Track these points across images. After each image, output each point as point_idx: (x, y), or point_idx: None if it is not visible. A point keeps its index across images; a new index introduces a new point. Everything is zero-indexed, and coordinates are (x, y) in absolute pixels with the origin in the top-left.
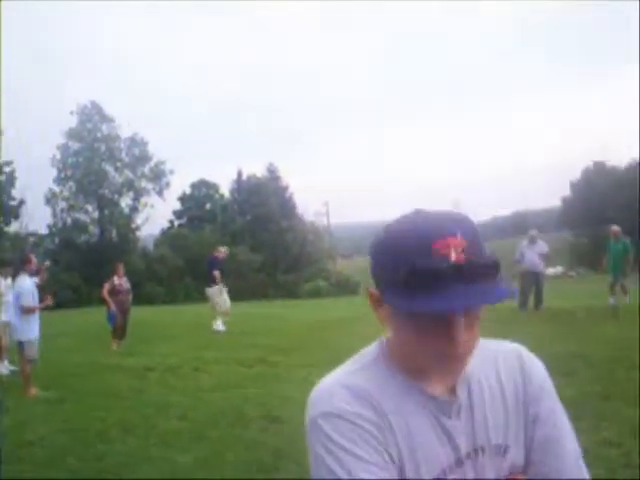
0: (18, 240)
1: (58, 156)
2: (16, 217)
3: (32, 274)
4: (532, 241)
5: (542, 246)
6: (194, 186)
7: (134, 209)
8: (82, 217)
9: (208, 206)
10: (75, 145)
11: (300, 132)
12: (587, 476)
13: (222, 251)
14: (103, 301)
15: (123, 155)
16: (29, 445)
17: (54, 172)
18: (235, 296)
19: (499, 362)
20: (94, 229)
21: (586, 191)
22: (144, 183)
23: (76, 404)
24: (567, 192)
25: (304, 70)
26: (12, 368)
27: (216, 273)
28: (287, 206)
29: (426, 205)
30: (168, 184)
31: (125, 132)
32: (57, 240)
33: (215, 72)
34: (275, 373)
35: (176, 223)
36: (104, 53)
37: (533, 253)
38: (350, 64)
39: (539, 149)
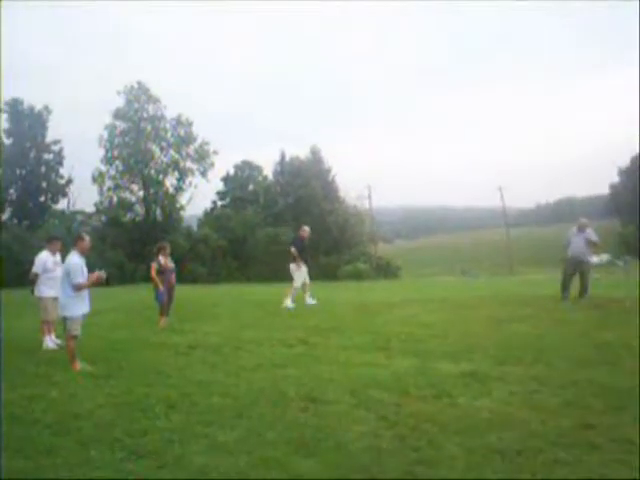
0: (65, 218)
1: (105, 136)
2: (64, 195)
3: (84, 253)
4: (581, 229)
5: (590, 234)
6: (237, 167)
7: (179, 189)
8: (128, 196)
9: (251, 187)
10: (122, 125)
11: (344, 115)
12: None
13: (306, 230)
14: (151, 280)
15: (168, 135)
16: (76, 418)
17: (101, 151)
18: (276, 276)
19: None
20: (139, 208)
21: (635, 178)
22: (189, 163)
23: (121, 379)
24: (615, 179)
25: (352, 54)
26: (59, 342)
27: (293, 250)
28: (329, 189)
29: (474, 189)
30: (212, 165)
31: (171, 112)
32: (103, 218)
33: (262, 55)
34: (316, 354)
35: (219, 204)
36: (153, 37)
37: (580, 240)
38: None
39: (585, 135)
